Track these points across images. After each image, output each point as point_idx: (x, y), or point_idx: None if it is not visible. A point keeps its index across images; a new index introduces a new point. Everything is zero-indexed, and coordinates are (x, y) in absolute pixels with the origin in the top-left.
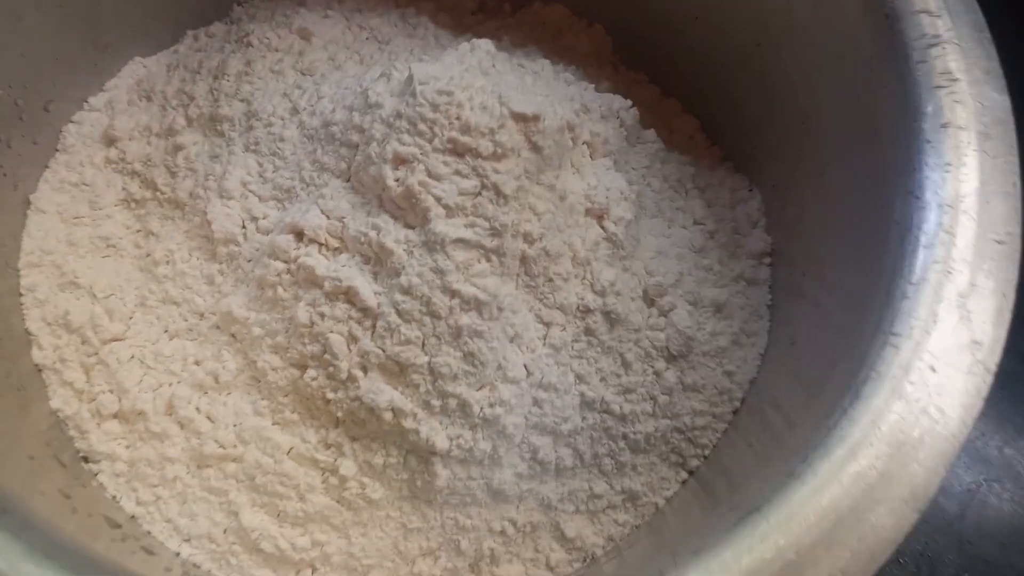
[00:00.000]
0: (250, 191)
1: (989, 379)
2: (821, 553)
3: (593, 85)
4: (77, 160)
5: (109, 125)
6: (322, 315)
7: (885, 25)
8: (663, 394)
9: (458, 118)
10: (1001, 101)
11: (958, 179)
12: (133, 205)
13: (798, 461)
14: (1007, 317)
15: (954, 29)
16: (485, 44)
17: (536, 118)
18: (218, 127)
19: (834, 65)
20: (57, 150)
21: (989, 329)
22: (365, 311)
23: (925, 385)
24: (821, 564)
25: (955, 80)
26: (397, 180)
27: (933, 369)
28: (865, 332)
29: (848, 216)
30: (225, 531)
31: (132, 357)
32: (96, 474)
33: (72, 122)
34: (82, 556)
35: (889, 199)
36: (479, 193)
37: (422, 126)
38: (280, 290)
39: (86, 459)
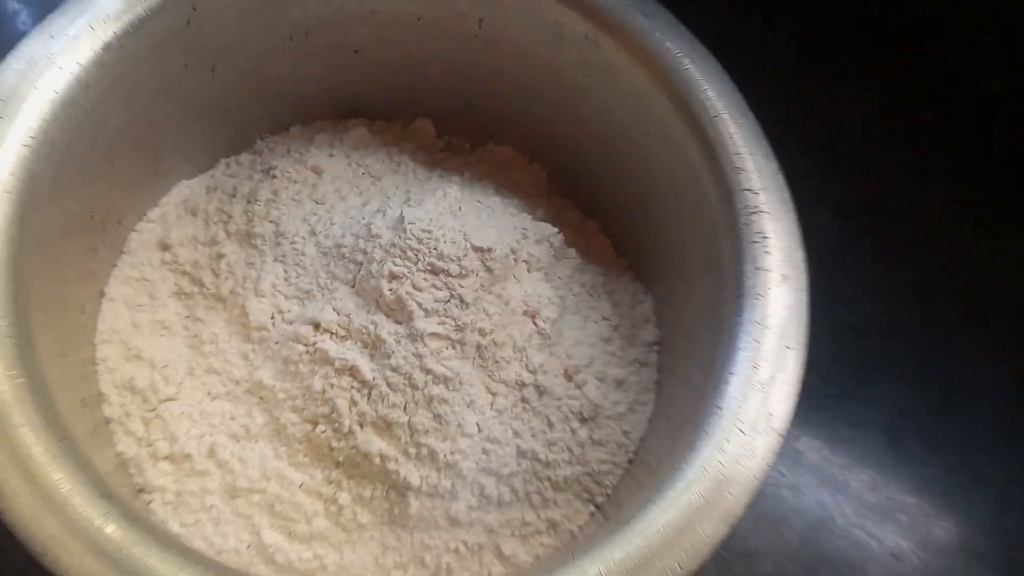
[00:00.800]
0: (278, 291)
1: (780, 440)
2: (665, 550)
3: (530, 214)
4: (139, 261)
5: (164, 235)
6: (332, 385)
7: (724, 196)
8: (577, 447)
9: (435, 249)
10: (798, 254)
11: (765, 306)
12: (183, 297)
13: (656, 491)
14: (794, 399)
15: (768, 203)
16: (454, 191)
17: (489, 250)
18: (252, 241)
19: (695, 221)
20: (123, 252)
21: (782, 407)
22: (364, 383)
23: (737, 442)
24: (664, 557)
25: (766, 238)
26: (391, 290)
27: (743, 432)
28: (703, 404)
29: (704, 322)
30: (248, 546)
31: (182, 413)
32: (149, 503)
33: (135, 231)
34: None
35: (724, 316)
36: (448, 301)
37: (410, 253)
38: (300, 366)
39: (141, 491)
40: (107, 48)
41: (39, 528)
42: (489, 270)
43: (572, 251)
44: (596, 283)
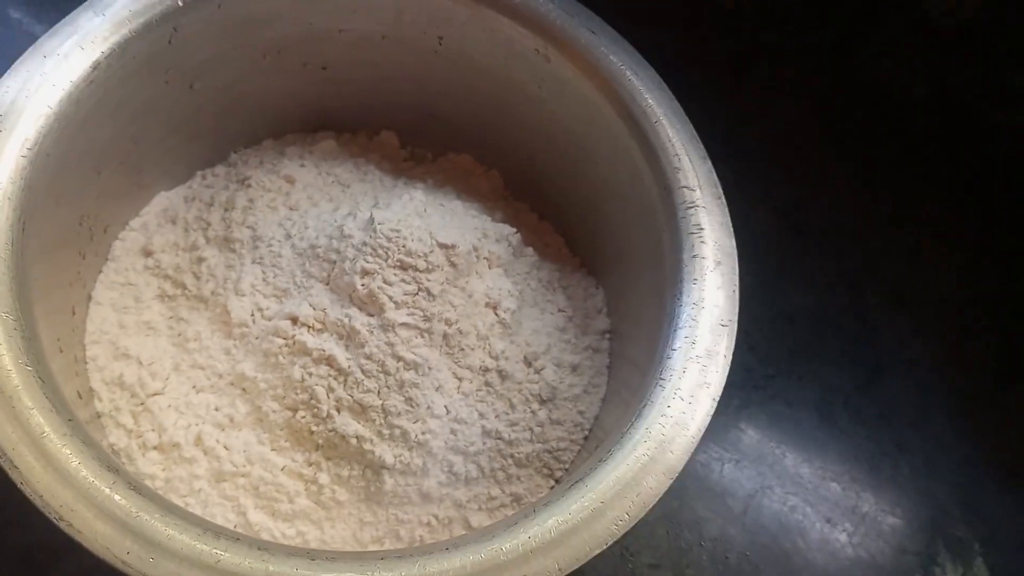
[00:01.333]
0: (257, 291)
1: (714, 405)
2: (615, 502)
3: (490, 217)
4: (123, 267)
5: (146, 242)
6: (310, 374)
7: (664, 194)
8: (537, 426)
9: (404, 246)
10: (729, 242)
11: (701, 289)
12: (167, 299)
13: (606, 452)
14: (726, 370)
15: (703, 198)
16: (419, 195)
17: (453, 246)
18: (231, 246)
19: (639, 216)
20: (108, 259)
21: (716, 377)
22: (340, 371)
23: (677, 408)
24: (615, 508)
25: (702, 229)
26: (363, 285)
27: (682, 399)
28: (648, 379)
29: (648, 309)
30: (235, 526)
31: (169, 406)
32: None
33: (118, 239)
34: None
35: (666, 299)
36: (417, 293)
37: (380, 251)
38: (280, 358)
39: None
40: (95, 66)
41: (53, 498)
42: (453, 265)
43: (529, 249)
44: (552, 278)
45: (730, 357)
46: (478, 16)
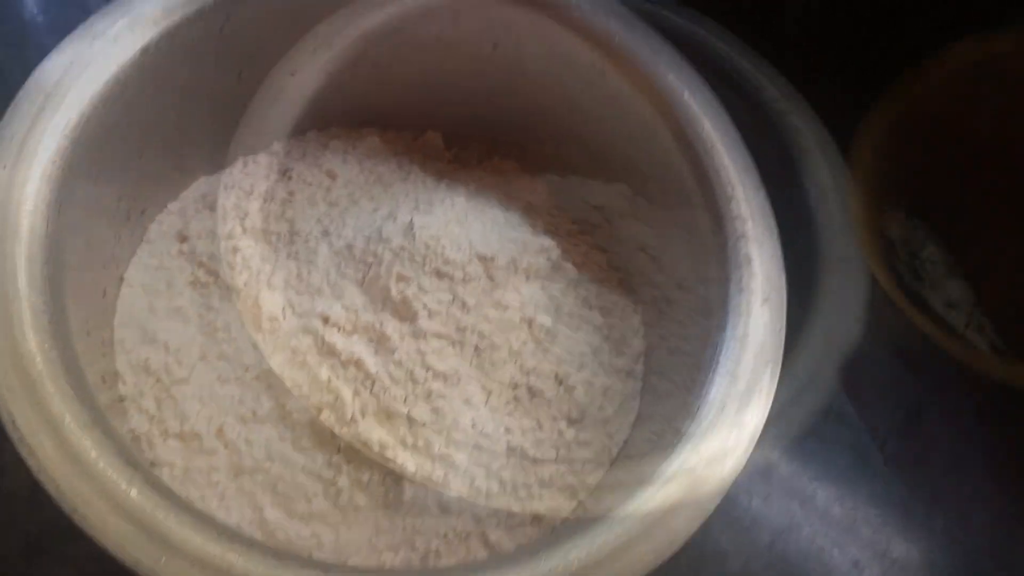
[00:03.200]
0: (290, 286)
1: (752, 443)
2: (641, 540)
3: (530, 227)
4: (158, 250)
5: (182, 227)
6: (338, 375)
7: (715, 221)
8: (564, 447)
9: (442, 255)
10: (779, 276)
11: (747, 324)
12: (199, 287)
13: (636, 487)
14: (767, 409)
15: (754, 229)
16: (461, 201)
17: (492, 258)
18: (268, 238)
19: (686, 242)
20: (143, 241)
21: (755, 415)
22: (368, 375)
23: (713, 446)
24: (640, 546)
25: (751, 262)
26: (398, 291)
27: (718, 437)
28: (684, 411)
29: (687, 338)
30: (250, 522)
31: (193, 395)
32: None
33: (155, 222)
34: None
35: (709, 331)
36: (451, 303)
37: (417, 257)
38: (309, 357)
39: (152, 464)
40: (144, 51)
41: (69, 489)
42: (490, 277)
43: (568, 265)
44: (589, 295)
45: (772, 397)
46: (537, 26)
